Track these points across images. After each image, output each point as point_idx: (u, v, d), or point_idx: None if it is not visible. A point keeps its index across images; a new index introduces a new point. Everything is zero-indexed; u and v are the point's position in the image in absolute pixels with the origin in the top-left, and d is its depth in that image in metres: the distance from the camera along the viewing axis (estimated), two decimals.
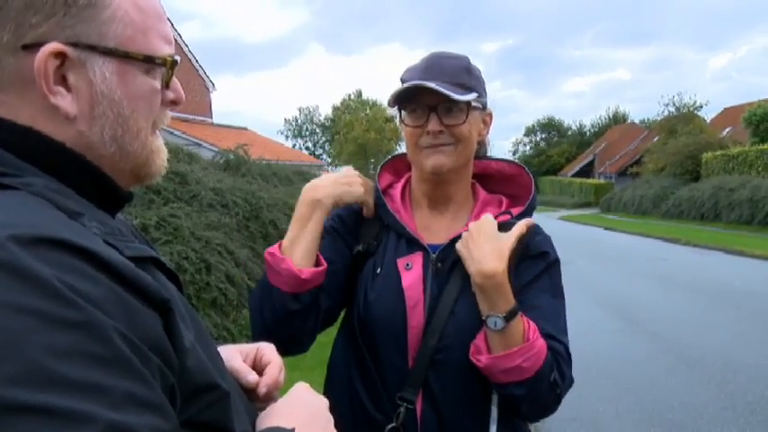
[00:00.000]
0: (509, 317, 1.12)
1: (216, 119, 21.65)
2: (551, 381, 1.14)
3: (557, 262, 1.27)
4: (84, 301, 0.49)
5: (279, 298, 1.18)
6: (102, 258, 0.53)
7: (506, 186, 1.36)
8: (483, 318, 1.15)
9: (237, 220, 7.20)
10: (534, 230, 1.28)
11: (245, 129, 22.67)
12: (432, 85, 1.17)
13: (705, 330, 6.42)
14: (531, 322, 1.16)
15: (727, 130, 31.64)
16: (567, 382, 1.19)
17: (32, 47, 0.59)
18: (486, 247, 1.15)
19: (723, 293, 8.37)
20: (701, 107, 34.30)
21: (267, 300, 1.20)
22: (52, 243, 0.51)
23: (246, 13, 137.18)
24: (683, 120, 31.43)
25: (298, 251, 1.21)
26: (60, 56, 0.60)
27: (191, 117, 17.82)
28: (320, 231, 1.24)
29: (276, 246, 1.24)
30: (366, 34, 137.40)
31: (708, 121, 34.73)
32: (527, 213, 1.29)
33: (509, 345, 1.12)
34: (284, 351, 1.23)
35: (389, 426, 1.18)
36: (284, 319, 1.19)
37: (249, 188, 8.06)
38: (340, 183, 1.27)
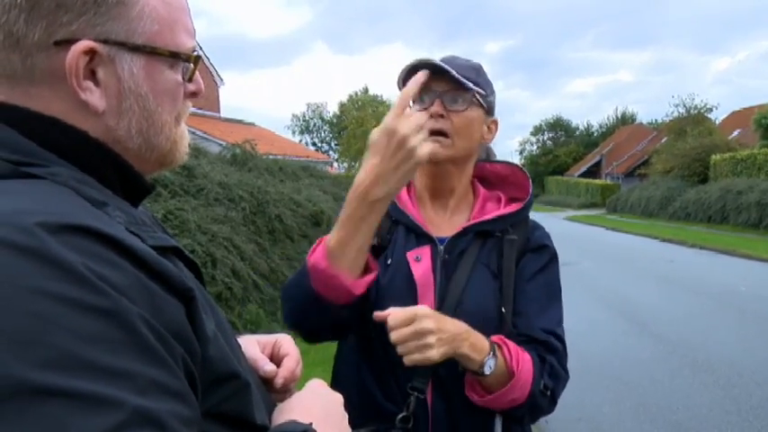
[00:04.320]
0: (494, 353, 1.15)
1: (223, 114, 21.69)
2: (542, 390, 1.18)
3: (555, 255, 1.32)
4: (110, 289, 0.50)
5: (325, 309, 1.13)
6: (128, 246, 0.54)
7: (503, 188, 1.40)
8: (476, 370, 1.14)
9: (244, 215, 7.22)
10: (534, 225, 1.34)
11: (253, 124, 22.70)
12: (438, 62, 1.21)
13: (710, 333, 6.39)
14: (508, 344, 1.18)
15: (735, 132, 31.45)
16: (563, 379, 1.23)
17: (64, 43, 0.60)
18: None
19: (729, 296, 8.32)
20: (712, 110, 34.10)
21: (313, 307, 1.13)
22: (80, 230, 0.51)
23: (252, 12, 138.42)
24: (692, 122, 31.24)
25: (348, 259, 1.09)
26: (90, 52, 0.61)
27: (200, 111, 17.85)
28: (373, 234, 1.11)
29: (321, 249, 1.12)
30: (369, 34, 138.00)
31: (716, 123, 34.50)
32: (525, 210, 1.33)
33: (499, 377, 1.16)
34: (312, 342, 1.25)
35: (400, 415, 1.19)
36: (332, 325, 1.19)
37: (256, 183, 8.08)
38: (398, 158, 1.04)
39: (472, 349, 1.13)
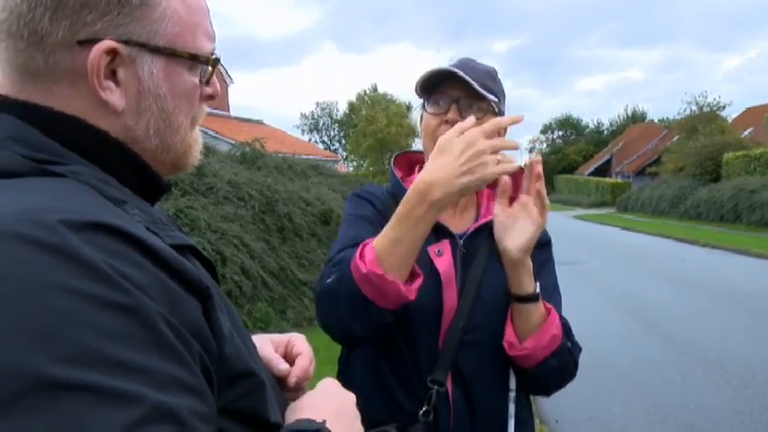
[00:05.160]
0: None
1: (233, 113, 21.77)
2: (569, 347, 1.25)
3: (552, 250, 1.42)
4: (131, 286, 0.50)
5: (377, 313, 1.11)
6: (148, 245, 0.54)
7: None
8: (532, 291, 1.20)
9: (253, 213, 7.24)
10: None
11: (262, 122, 22.77)
12: (460, 72, 1.22)
13: (722, 333, 6.35)
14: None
15: (748, 130, 31.14)
16: (577, 348, 1.29)
17: (86, 43, 0.61)
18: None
19: (741, 296, 8.26)
20: (724, 107, 33.77)
21: (361, 314, 1.11)
22: (101, 228, 0.52)
23: (261, 13, 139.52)
24: (704, 119, 30.95)
25: (399, 260, 1.08)
26: (112, 52, 0.61)
27: (210, 110, 17.91)
28: (425, 236, 1.10)
29: (371, 254, 1.08)
30: (377, 33, 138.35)
31: (728, 121, 34.15)
32: None
33: (542, 315, 1.22)
34: (351, 346, 1.29)
35: (422, 410, 1.20)
36: (379, 330, 1.16)
37: (265, 181, 8.11)
38: (466, 167, 1.05)
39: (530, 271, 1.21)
